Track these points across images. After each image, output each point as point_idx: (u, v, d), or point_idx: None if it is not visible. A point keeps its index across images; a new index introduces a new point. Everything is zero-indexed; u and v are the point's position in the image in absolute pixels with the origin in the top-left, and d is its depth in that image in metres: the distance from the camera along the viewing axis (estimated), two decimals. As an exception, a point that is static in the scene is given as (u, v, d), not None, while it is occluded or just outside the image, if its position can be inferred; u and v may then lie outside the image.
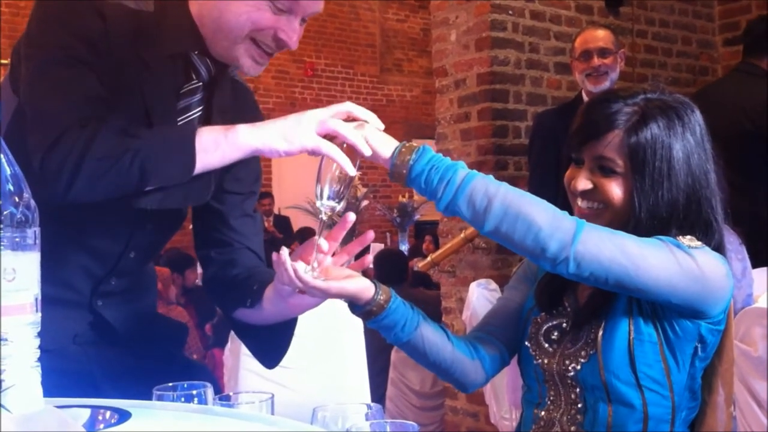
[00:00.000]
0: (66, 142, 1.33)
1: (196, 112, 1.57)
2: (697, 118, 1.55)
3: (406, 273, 5.15)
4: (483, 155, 4.14)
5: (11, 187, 0.91)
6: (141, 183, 1.37)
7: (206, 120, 1.58)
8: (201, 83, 1.57)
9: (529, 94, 4.31)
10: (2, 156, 0.91)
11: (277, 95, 10.79)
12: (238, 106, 1.67)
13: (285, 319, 1.64)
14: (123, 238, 1.62)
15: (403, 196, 9.49)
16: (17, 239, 0.91)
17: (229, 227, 1.71)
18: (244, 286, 1.65)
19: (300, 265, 1.41)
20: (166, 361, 1.72)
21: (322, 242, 1.47)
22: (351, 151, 1.38)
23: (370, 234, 1.54)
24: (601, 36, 3.54)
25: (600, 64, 3.47)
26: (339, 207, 1.42)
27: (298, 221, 9.31)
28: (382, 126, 1.43)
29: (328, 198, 1.40)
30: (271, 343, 1.70)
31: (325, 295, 1.46)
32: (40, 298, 0.93)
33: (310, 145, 1.37)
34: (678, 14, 5.09)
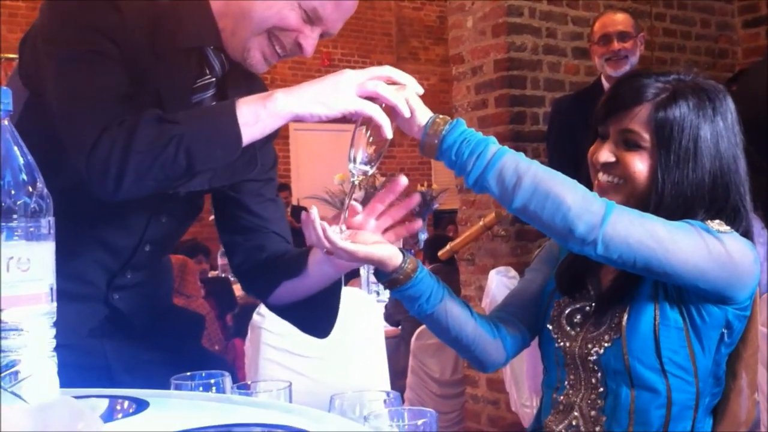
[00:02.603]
0: (107, 140, 1.32)
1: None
2: (729, 104, 1.53)
3: (454, 258, 5.18)
4: (501, 142, 4.08)
5: (25, 177, 0.90)
6: (189, 169, 1.35)
7: None
8: (214, 78, 1.56)
9: (547, 80, 4.27)
10: (15, 146, 0.91)
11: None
12: None
13: (329, 282, 1.63)
14: (138, 232, 1.61)
15: (422, 185, 9.44)
16: (31, 229, 0.90)
17: (252, 213, 1.70)
18: (283, 262, 1.64)
19: (329, 227, 1.40)
20: (183, 352, 1.72)
21: (354, 205, 1.46)
22: (389, 114, 1.37)
23: (416, 197, 1.52)
24: (620, 20, 3.51)
25: (620, 48, 3.44)
26: (371, 171, 1.41)
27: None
28: (422, 90, 1.42)
29: (362, 162, 1.39)
30: (322, 311, 1.68)
31: (352, 257, 1.44)
32: (55, 287, 0.93)
33: (352, 107, 1.35)
34: (696, -4, 5.04)
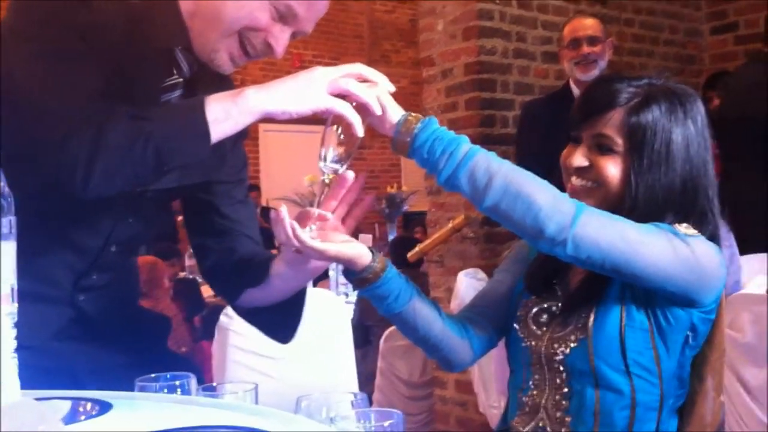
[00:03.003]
0: (75, 138, 1.30)
1: None
2: (699, 108, 1.54)
3: (420, 259, 5.18)
4: (471, 145, 4.10)
5: (-14, 176, 0.89)
6: (158, 167, 1.34)
7: None
8: (182, 79, 1.54)
9: (517, 84, 4.29)
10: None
11: (264, 87, 10.72)
12: None
13: (291, 293, 1.63)
14: (104, 232, 1.59)
15: (392, 187, 9.46)
16: (-7, 228, 0.88)
17: (223, 216, 1.69)
18: (249, 268, 1.63)
19: (298, 226, 1.40)
20: (149, 354, 1.70)
21: (325, 214, 1.45)
22: (360, 111, 1.36)
23: (361, 177, 1.51)
24: (589, 24, 3.55)
25: (589, 52, 3.47)
26: (342, 170, 1.41)
27: (286, 213, 9.26)
28: (393, 88, 1.42)
29: (332, 161, 1.39)
30: (285, 317, 1.68)
31: (321, 256, 1.45)
32: (17, 288, 0.91)
33: (323, 105, 1.34)
34: (665, 2, 5.08)
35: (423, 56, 4.47)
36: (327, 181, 1.41)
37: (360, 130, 1.36)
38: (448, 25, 4.30)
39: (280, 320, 1.69)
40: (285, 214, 1.40)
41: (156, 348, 1.81)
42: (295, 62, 10.71)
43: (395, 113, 1.40)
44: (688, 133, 1.51)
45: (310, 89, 1.35)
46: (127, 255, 1.72)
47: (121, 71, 1.46)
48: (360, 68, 1.40)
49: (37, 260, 1.50)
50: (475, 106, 4.18)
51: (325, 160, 1.39)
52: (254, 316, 1.71)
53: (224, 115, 1.34)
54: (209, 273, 1.72)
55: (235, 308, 1.74)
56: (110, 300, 1.66)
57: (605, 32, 3.56)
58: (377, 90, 1.39)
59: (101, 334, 1.64)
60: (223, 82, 1.62)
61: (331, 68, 1.39)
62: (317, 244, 1.41)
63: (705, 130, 1.54)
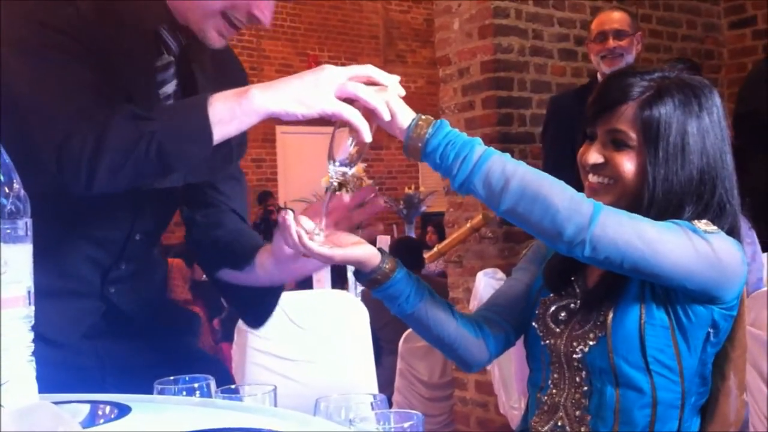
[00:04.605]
0: (78, 138, 1.31)
1: (170, 86, 1.55)
2: (715, 100, 1.53)
3: (422, 260, 5.18)
4: (488, 144, 4.05)
5: (1, 177, 0.89)
6: (161, 167, 1.34)
7: (192, 93, 1.55)
8: (173, 58, 1.55)
9: (534, 82, 4.27)
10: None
11: (281, 89, 10.76)
12: (221, 72, 1.65)
13: (275, 283, 1.64)
14: (126, 223, 1.61)
15: (409, 188, 9.47)
16: (8, 231, 0.88)
17: (216, 189, 1.71)
18: (230, 249, 1.65)
19: (306, 223, 1.40)
20: (179, 353, 1.71)
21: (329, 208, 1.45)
22: (368, 116, 1.34)
23: (380, 204, 1.51)
24: (617, 18, 3.51)
25: (615, 45, 3.43)
26: (350, 172, 1.39)
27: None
28: (403, 92, 1.39)
29: (341, 164, 1.37)
30: (260, 303, 1.70)
31: (329, 261, 1.45)
32: (33, 290, 0.91)
33: (330, 109, 1.32)
34: (682, -3, 5.05)
35: (439, 55, 4.47)
36: (336, 183, 1.40)
37: (367, 136, 1.34)
38: (464, 24, 4.29)
39: (254, 305, 1.71)
40: (291, 220, 1.39)
41: (186, 346, 1.81)
42: (311, 64, 10.74)
43: (405, 118, 1.36)
44: (703, 125, 1.49)
45: (317, 91, 1.32)
46: (151, 243, 1.74)
47: (112, 60, 1.46)
48: (370, 70, 1.37)
49: (64, 258, 1.52)
50: (492, 105, 4.16)
51: (333, 162, 1.37)
52: (229, 294, 1.74)
53: (229, 115, 1.32)
54: (193, 244, 1.74)
55: (211, 280, 1.75)
56: (140, 291, 1.68)
57: (633, 26, 3.52)
58: (386, 94, 1.36)
59: (132, 329, 1.66)
60: (221, 56, 1.63)
61: (340, 69, 1.36)
62: (324, 250, 1.40)
63: (722, 122, 1.53)
